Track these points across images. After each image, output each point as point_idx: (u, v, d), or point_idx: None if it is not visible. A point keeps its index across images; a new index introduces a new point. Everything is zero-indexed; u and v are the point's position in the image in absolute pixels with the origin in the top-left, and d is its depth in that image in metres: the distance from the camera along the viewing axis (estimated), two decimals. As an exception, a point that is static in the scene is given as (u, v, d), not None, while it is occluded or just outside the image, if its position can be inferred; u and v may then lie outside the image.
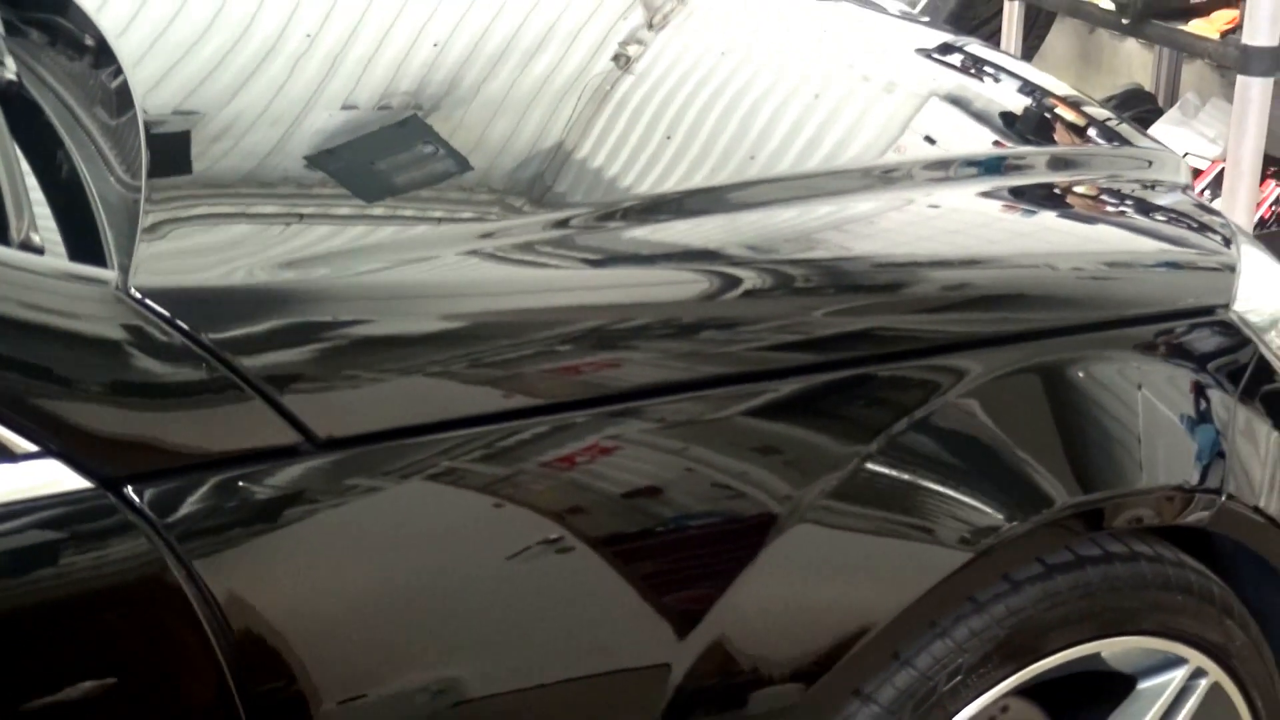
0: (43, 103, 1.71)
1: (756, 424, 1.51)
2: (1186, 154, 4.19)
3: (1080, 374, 1.70)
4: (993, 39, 4.41)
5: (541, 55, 1.99)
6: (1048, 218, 1.90)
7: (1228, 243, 1.93)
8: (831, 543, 1.52)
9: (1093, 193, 1.99)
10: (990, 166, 2.00)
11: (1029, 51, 4.80)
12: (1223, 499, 1.74)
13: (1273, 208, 4.04)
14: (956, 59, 2.34)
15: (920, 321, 1.63)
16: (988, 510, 1.58)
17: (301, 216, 1.56)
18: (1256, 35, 3.66)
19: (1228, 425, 1.79)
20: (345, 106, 1.78)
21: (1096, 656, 1.73)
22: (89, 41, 1.85)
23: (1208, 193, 4.06)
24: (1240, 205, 3.83)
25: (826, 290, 1.61)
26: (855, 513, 1.53)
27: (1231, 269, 1.87)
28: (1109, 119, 2.26)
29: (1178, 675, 1.77)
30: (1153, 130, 4.33)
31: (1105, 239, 1.89)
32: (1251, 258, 1.94)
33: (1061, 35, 5.13)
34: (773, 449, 1.51)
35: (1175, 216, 1.98)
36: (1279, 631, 1.90)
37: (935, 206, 1.81)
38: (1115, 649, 1.73)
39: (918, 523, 1.56)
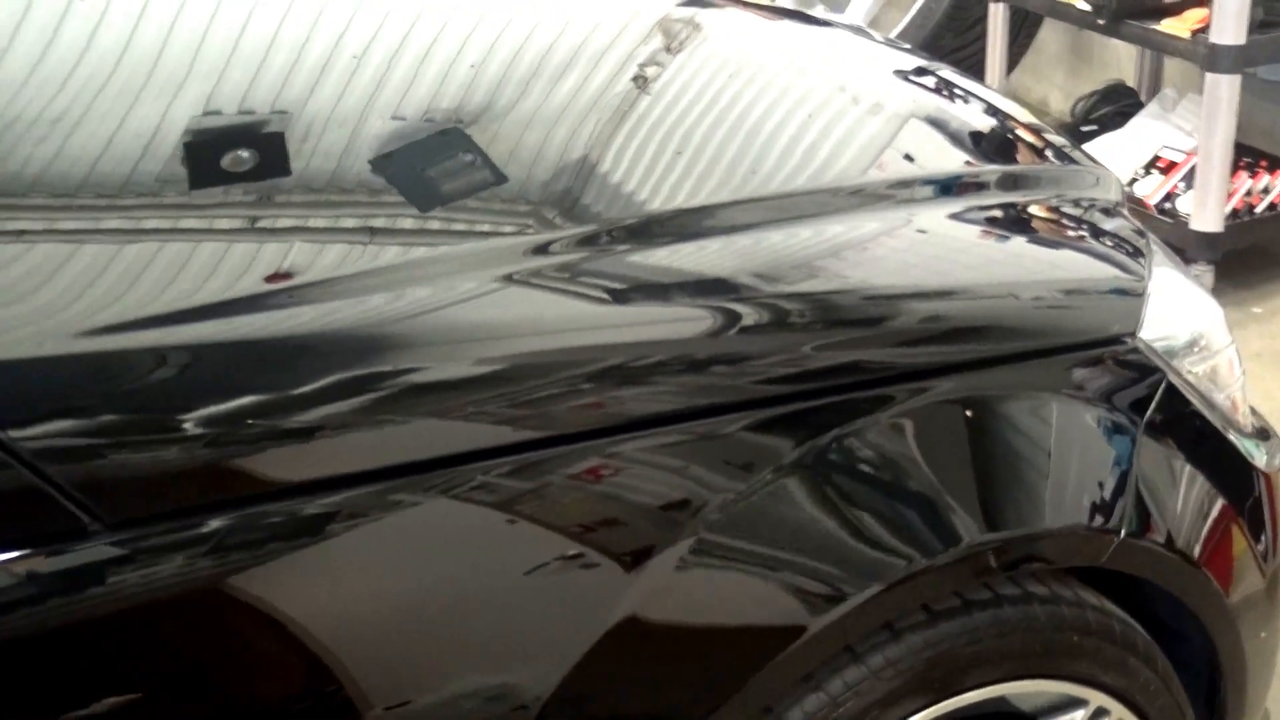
0: None
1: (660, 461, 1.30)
2: (1164, 146, 3.90)
3: (972, 412, 1.46)
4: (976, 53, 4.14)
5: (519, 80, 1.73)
6: (962, 246, 1.64)
7: (1141, 265, 1.67)
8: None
9: (1018, 215, 1.72)
10: (945, 186, 1.72)
11: (1018, 53, 4.51)
12: (1120, 537, 1.50)
13: (1245, 199, 3.74)
14: (930, 82, 2.05)
15: (808, 358, 1.40)
16: (871, 557, 1.36)
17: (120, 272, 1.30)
18: (1224, 34, 3.39)
19: (1130, 459, 1.54)
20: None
21: (999, 698, 1.50)
22: None
23: (1183, 184, 3.77)
24: (1212, 197, 3.55)
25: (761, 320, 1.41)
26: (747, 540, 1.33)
27: (1139, 295, 1.62)
28: (1061, 143, 1.98)
29: (1078, 717, 1.53)
30: (1132, 123, 4.05)
31: (1012, 268, 1.63)
32: (1167, 280, 1.69)
33: (1054, 32, 4.84)
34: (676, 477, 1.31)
35: (1093, 240, 1.73)
36: (1195, 652, 1.66)
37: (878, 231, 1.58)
38: (1011, 691, 1.50)
39: (799, 563, 1.34)
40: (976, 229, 1.65)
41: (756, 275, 1.45)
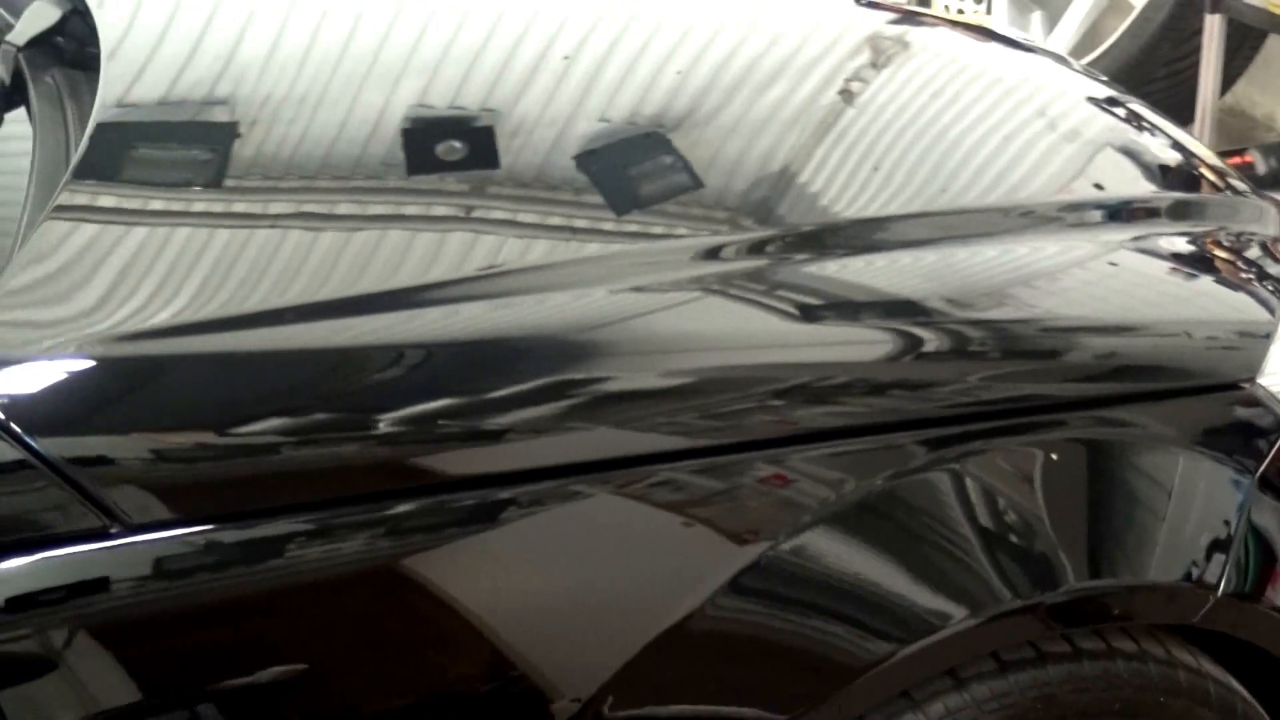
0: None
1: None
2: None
3: (1074, 454, 1.39)
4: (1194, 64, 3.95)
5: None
6: (1120, 277, 1.59)
7: (1277, 306, 1.57)
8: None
9: (1175, 249, 1.66)
10: (1113, 212, 1.70)
11: (1241, 65, 4.30)
12: (1216, 596, 1.40)
13: None
14: (1122, 112, 1.99)
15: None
16: (968, 588, 1.31)
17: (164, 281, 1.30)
18: None
19: (1238, 513, 1.44)
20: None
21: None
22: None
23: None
24: None
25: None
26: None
27: (1265, 337, 1.51)
28: (1235, 180, 1.91)
29: (1164, 782, 1.44)
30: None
31: (1146, 305, 1.56)
32: None
33: (1286, 44, 4.60)
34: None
35: (1237, 276, 1.64)
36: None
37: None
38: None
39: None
40: (1139, 259, 1.61)
41: (945, 299, 1.44)
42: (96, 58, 1.60)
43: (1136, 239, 1.64)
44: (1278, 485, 1.47)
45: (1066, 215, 1.63)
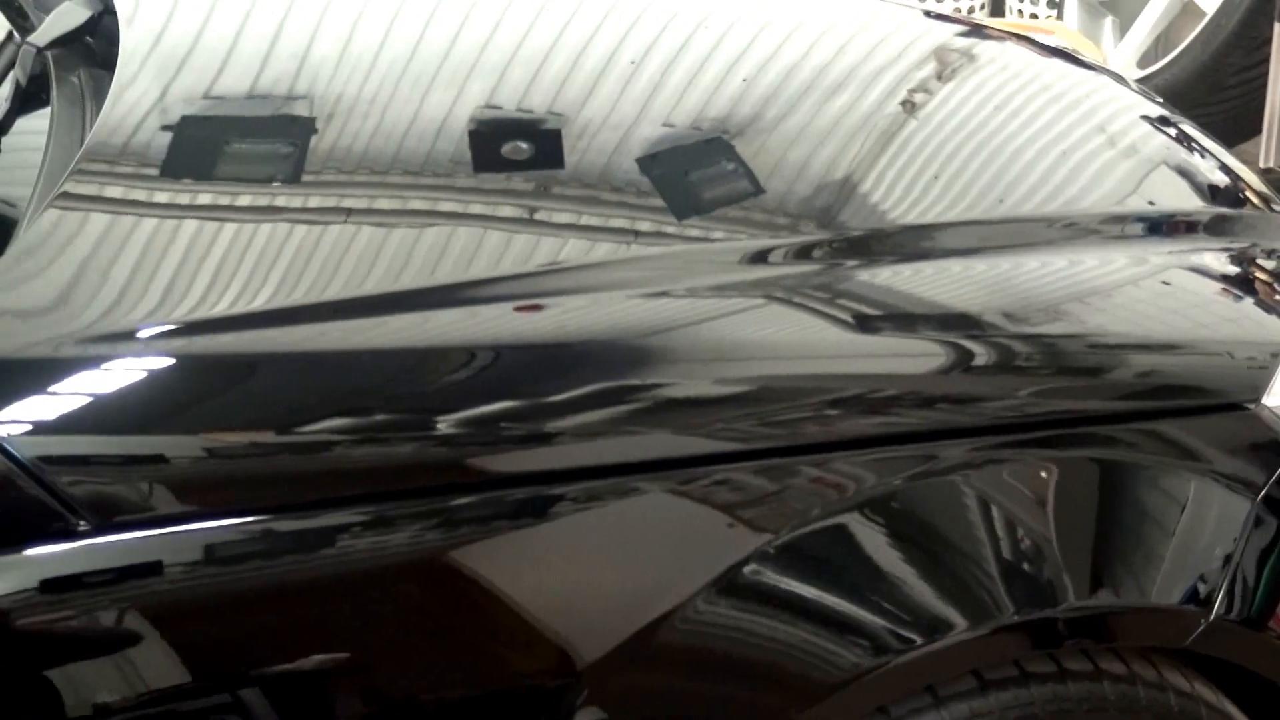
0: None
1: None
2: None
3: (1050, 473, 1.37)
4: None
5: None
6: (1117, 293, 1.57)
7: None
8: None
9: (1206, 265, 1.64)
10: (1154, 225, 1.70)
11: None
12: (1209, 620, 1.37)
13: None
14: (1173, 130, 1.98)
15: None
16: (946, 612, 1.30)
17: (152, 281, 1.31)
18: None
19: (1237, 536, 1.41)
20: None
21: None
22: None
23: None
24: None
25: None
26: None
27: (1275, 357, 1.48)
28: (1271, 197, 1.90)
29: (1153, 809, 1.42)
30: None
31: (1168, 320, 1.54)
32: None
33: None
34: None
35: (1265, 294, 1.62)
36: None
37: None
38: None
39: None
40: (1178, 275, 1.60)
41: (1000, 313, 1.44)
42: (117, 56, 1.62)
43: (1174, 254, 1.63)
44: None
45: (1107, 228, 1.63)
